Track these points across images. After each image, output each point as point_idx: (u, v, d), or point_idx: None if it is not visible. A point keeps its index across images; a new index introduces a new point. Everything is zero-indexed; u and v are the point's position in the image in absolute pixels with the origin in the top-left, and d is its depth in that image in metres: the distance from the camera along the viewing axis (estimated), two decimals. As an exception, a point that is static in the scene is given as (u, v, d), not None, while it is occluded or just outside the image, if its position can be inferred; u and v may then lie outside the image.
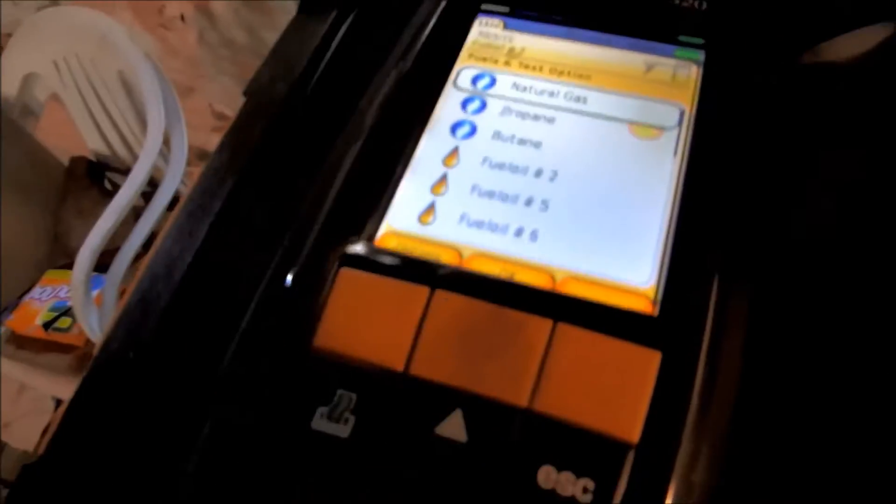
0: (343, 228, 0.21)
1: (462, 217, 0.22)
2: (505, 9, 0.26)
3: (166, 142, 0.62)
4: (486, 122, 0.24)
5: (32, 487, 0.19)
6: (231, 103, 0.72)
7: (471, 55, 0.25)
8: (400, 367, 0.18)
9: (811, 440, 0.18)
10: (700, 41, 0.25)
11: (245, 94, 0.29)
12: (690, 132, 0.23)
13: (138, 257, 0.62)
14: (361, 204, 0.22)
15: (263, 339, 0.20)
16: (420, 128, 0.24)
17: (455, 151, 0.23)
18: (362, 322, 0.19)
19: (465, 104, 0.24)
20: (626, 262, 0.20)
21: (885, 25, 0.27)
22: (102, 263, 0.57)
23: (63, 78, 0.75)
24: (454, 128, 0.24)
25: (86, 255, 0.55)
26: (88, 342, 0.62)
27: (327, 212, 0.22)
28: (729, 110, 0.23)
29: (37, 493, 0.19)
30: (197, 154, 0.77)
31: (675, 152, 0.22)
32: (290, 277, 0.21)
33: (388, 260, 0.20)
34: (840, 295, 0.20)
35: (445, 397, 0.18)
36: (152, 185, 0.62)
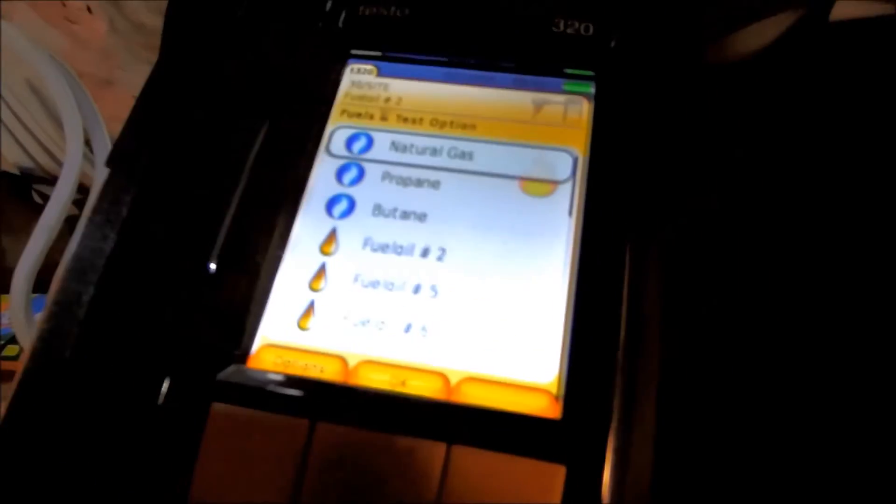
0: (215, 343, 0.19)
1: (345, 316, 0.20)
2: (377, 53, 0.23)
3: (88, 143, 0.58)
4: (365, 194, 0.21)
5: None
6: (152, 92, 0.67)
7: (343, 111, 0.23)
8: (284, 520, 0.17)
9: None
10: (589, 73, 0.22)
11: (107, 164, 0.26)
12: (585, 184, 0.21)
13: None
14: (231, 310, 0.20)
15: (140, 485, 0.18)
16: (293, 207, 0.21)
17: (333, 235, 0.21)
18: (242, 467, 0.17)
19: (340, 174, 0.22)
20: (524, 354, 0.19)
21: (787, 14, 0.25)
22: (44, 280, 0.54)
23: (-32, 94, 0.69)
24: (330, 205, 0.21)
25: (20, 280, 0.52)
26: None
27: (197, 320, 0.20)
28: (626, 149, 0.21)
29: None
30: (126, 149, 0.73)
31: (570, 211, 0.20)
32: (160, 408, 0.19)
33: (264, 384, 0.18)
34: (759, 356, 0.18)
35: (336, 550, 0.17)
36: (83, 191, 0.58)
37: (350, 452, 0.17)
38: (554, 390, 0.18)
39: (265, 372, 0.19)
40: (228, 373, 0.19)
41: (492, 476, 0.17)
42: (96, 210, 0.24)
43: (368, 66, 0.23)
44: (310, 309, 0.20)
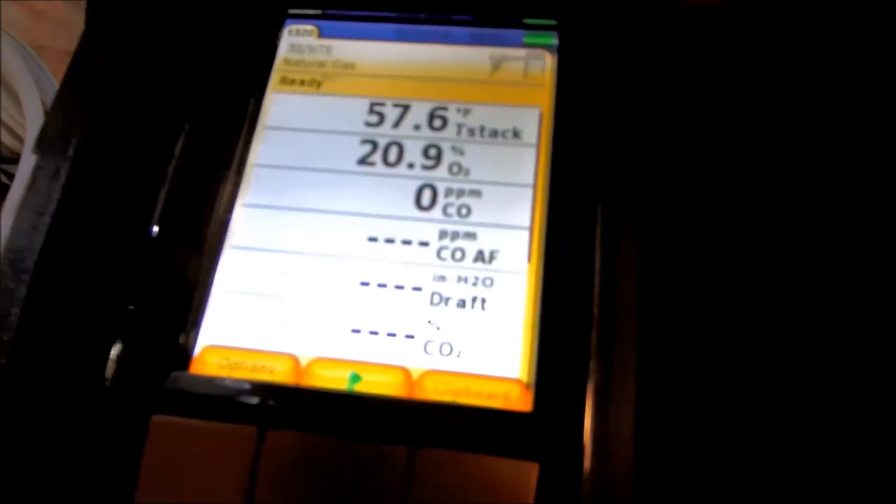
0: (153, 346, 0.18)
1: (296, 313, 0.18)
2: (317, 11, 0.21)
3: None
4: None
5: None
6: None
7: (282, 79, 0.21)
8: (236, 539, 0.15)
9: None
10: (552, 22, 0.20)
11: (35, 151, 0.24)
12: (550, 146, 0.19)
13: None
14: (170, 308, 0.18)
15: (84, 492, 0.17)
16: (232, 193, 0.19)
17: (280, 224, 0.19)
18: (187, 482, 0.16)
19: (283, 151, 0.20)
20: (490, 342, 0.17)
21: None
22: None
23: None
24: (274, 188, 0.19)
25: None
26: None
27: (134, 322, 0.18)
28: (594, 105, 0.19)
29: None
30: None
31: (534, 180, 0.19)
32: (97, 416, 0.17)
33: (206, 392, 0.17)
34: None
35: (294, 568, 0.15)
36: None
37: (304, 460, 0.16)
38: (525, 378, 0.17)
39: (209, 377, 0.17)
40: (168, 380, 0.17)
41: (460, 478, 0.16)
42: (26, 199, 0.22)
43: (308, 27, 0.21)
44: (257, 306, 0.18)
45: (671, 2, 0.22)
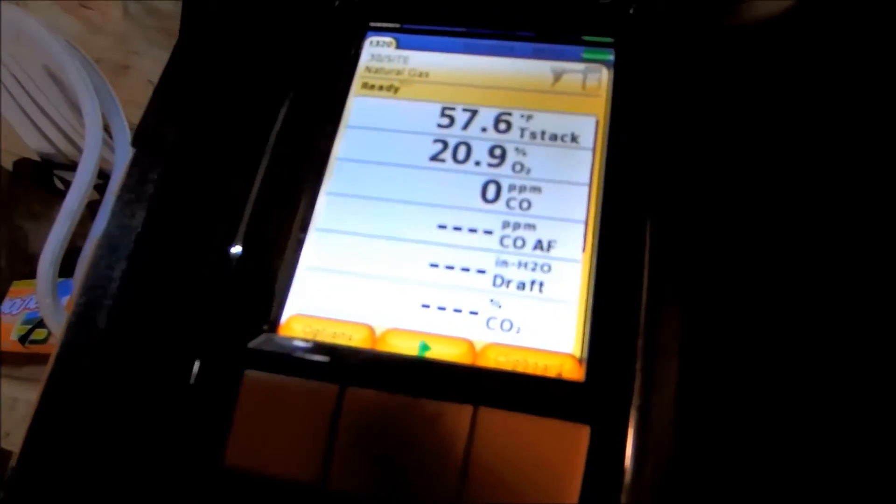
0: (244, 314, 0.20)
1: (373, 288, 0.20)
2: (395, 25, 0.24)
3: (107, 129, 0.58)
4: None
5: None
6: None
7: (364, 84, 0.23)
8: (317, 482, 0.17)
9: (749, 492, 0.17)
10: (609, 40, 0.22)
11: (133, 144, 0.27)
12: (605, 150, 0.21)
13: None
14: (261, 281, 0.20)
15: (175, 451, 0.19)
16: (316, 182, 0.22)
17: (359, 209, 0.21)
18: (274, 432, 0.18)
19: (365, 147, 0.22)
20: (548, 320, 0.19)
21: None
22: (68, 266, 0.55)
23: (-11, 82, 0.70)
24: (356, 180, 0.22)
25: (46, 265, 0.53)
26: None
27: (226, 293, 0.20)
28: (647, 114, 0.21)
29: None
30: (142, 132, 0.73)
31: (590, 179, 0.21)
32: (193, 377, 0.19)
33: (293, 353, 0.19)
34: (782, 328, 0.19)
35: (368, 509, 0.17)
36: (103, 176, 0.59)
37: (379, 416, 0.18)
38: (578, 354, 0.18)
39: (295, 339, 0.19)
40: (259, 341, 0.19)
41: (518, 436, 0.17)
42: (124, 188, 0.25)
43: (387, 39, 0.24)
44: (337, 281, 0.20)
45: (723, 21, 0.24)
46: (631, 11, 0.23)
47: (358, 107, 0.23)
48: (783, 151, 0.21)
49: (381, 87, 0.23)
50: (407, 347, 0.19)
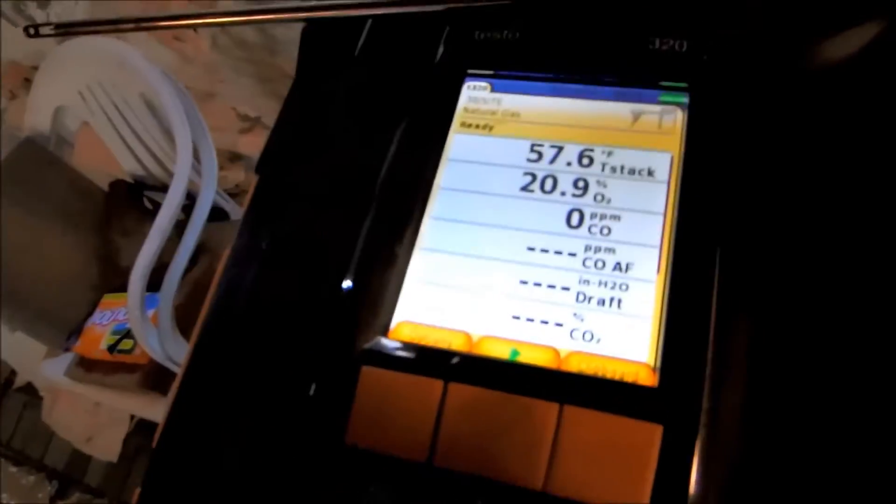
0: (359, 320, 0.23)
1: (470, 301, 0.23)
2: (490, 72, 0.27)
3: (195, 153, 0.64)
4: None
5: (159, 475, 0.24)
6: (252, 103, 0.73)
7: (462, 123, 0.26)
8: (423, 459, 0.20)
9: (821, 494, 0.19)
10: (683, 84, 0.25)
11: (257, 171, 0.31)
12: (679, 183, 0.23)
13: (186, 272, 0.65)
14: (375, 293, 0.24)
15: (304, 432, 0.22)
16: (422, 209, 0.25)
17: (457, 232, 0.24)
18: (388, 417, 0.21)
19: (461, 178, 0.25)
20: (626, 333, 0.22)
21: (871, 25, 0.27)
22: (155, 281, 0.60)
23: (90, 106, 0.77)
24: (454, 206, 0.25)
25: (137, 280, 0.58)
26: (151, 360, 0.66)
27: (345, 303, 0.24)
28: (718, 150, 0.24)
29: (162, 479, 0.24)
30: (227, 157, 0.79)
31: (665, 207, 0.23)
32: (321, 374, 0.23)
33: (403, 353, 0.22)
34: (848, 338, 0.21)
35: (467, 486, 0.20)
36: (190, 197, 0.64)
37: (478, 409, 0.21)
38: (652, 363, 0.21)
39: (404, 342, 0.23)
40: (374, 343, 0.23)
41: (599, 431, 0.20)
42: (249, 210, 0.29)
43: (483, 84, 0.27)
44: (439, 294, 0.23)
45: (796, 65, 0.26)
46: (705, 58, 0.25)
47: (458, 142, 0.26)
48: (842, 183, 0.23)
49: (477, 126, 0.26)
50: (500, 352, 0.22)
